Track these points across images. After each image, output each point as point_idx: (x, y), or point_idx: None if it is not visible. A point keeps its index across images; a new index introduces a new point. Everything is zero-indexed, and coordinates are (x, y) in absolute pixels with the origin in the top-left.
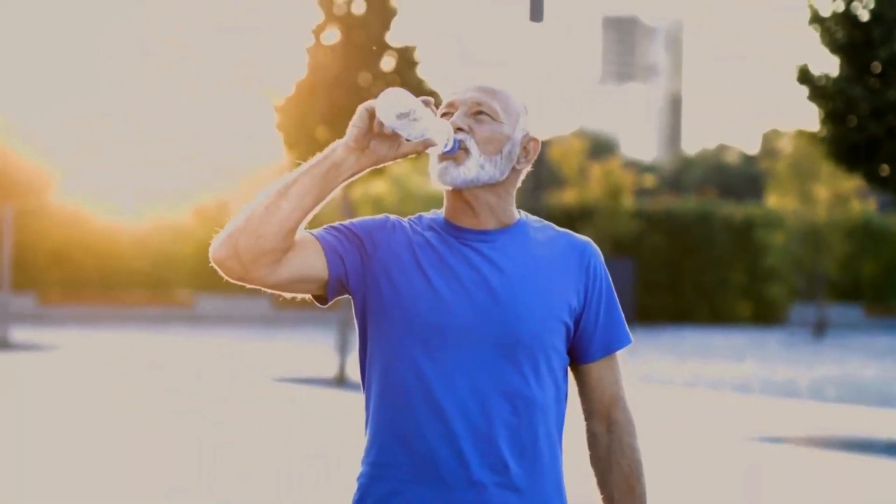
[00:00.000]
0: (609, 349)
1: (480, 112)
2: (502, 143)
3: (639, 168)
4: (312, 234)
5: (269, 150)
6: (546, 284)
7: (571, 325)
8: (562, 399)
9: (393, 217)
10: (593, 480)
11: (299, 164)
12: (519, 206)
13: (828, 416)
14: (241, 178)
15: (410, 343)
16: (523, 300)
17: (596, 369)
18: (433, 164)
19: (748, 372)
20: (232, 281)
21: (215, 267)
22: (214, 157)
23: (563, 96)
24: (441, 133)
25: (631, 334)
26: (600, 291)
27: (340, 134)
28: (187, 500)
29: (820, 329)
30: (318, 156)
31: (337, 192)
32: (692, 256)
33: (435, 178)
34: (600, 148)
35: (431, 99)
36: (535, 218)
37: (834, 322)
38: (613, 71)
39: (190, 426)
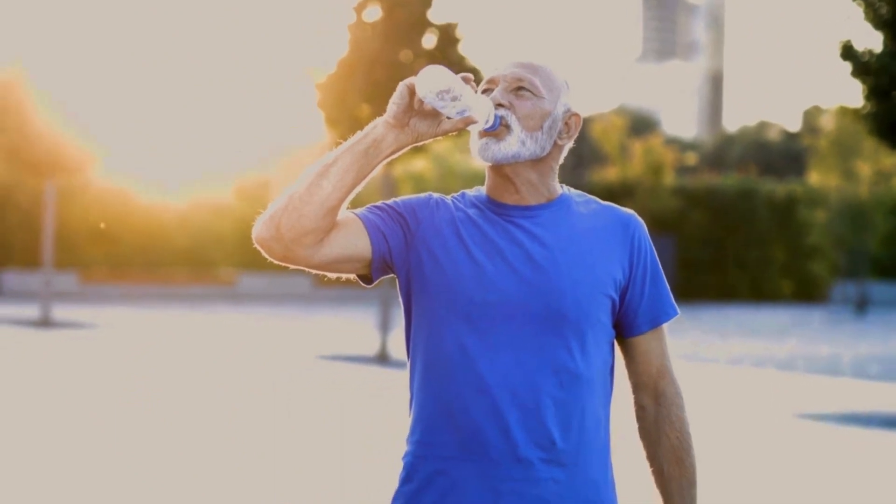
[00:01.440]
0: (656, 322)
1: (521, 88)
2: (543, 118)
3: (680, 145)
4: (355, 214)
5: (310, 130)
6: (590, 258)
7: (617, 298)
8: (608, 373)
9: (436, 195)
10: (642, 453)
11: (340, 143)
12: (561, 183)
13: (870, 393)
14: (283, 158)
15: (455, 319)
16: (568, 274)
17: (643, 342)
18: (474, 141)
19: (791, 350)
20: (275, 261)
21: (258, 247)
22: (257, 136)
23: (603, 73)
24: (482, 110)
25: (675, 306)
26: (645, 264)
27: (382, 111)
28: (229, 477)
29: (862, 306)
30: (359, 134)
31: (378, 171)
32: (734, 234)
33: (476, 155)
34: (641, 125)
35: (471, 76)
36: (578, 192)
37: (876, 299)
38: (654, 48)
39: (232, 405)
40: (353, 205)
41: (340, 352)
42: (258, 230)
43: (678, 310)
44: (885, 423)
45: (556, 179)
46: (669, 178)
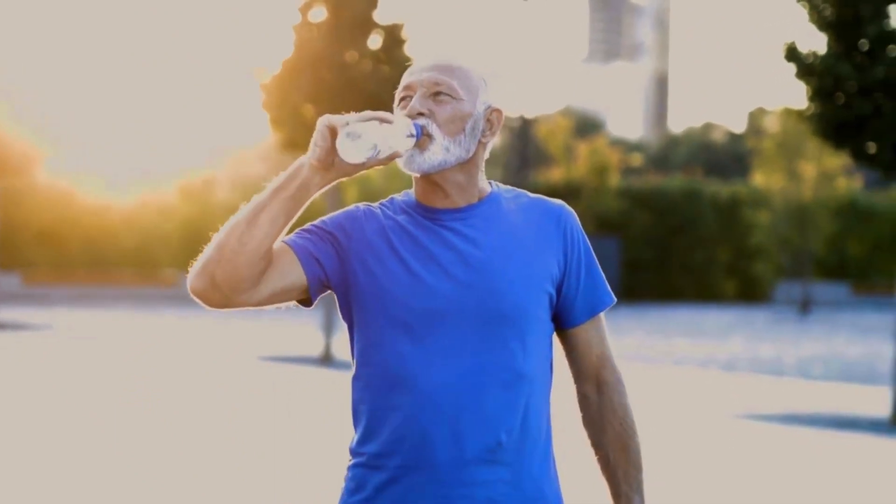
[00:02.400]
0: (593, 311)
1: (439, 93)
2: (464, 120)
3: (625, 146)
4: (286, 243)
5: (255, 130)
6: (524, 255)
7: (553, 292)
8: (548, 368)
9: (363, 205)
10: (587, 442)
11: (285, 144)
12: (505, 184)
13: (813, 393)
14: (228, 157)
15: (394, 329)
16: (503, 274)
17: (582, 332)
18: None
19: (734, 350)
20: (213, 309)
21: (195, 298)
22: (201, 136)
23: (549, 74)
24: (400, 136)
25: (612, 294)
26: (579, 255)
27: (326, 112)
28: (173, 478)
29: (806, 307)
30: (283, 176)
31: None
32: (678, 235)
33: (402, 166)
34: (587, 126)
35: (370, 113)
36: (507, 187)
37: (820, 300)
38: (600, 49)
39: (174, 407)
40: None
41: (284, 353)
42: (193, 283)
43: (614, 297)
44: (829, 424)
45: (484, 177)
46: (614, 180)
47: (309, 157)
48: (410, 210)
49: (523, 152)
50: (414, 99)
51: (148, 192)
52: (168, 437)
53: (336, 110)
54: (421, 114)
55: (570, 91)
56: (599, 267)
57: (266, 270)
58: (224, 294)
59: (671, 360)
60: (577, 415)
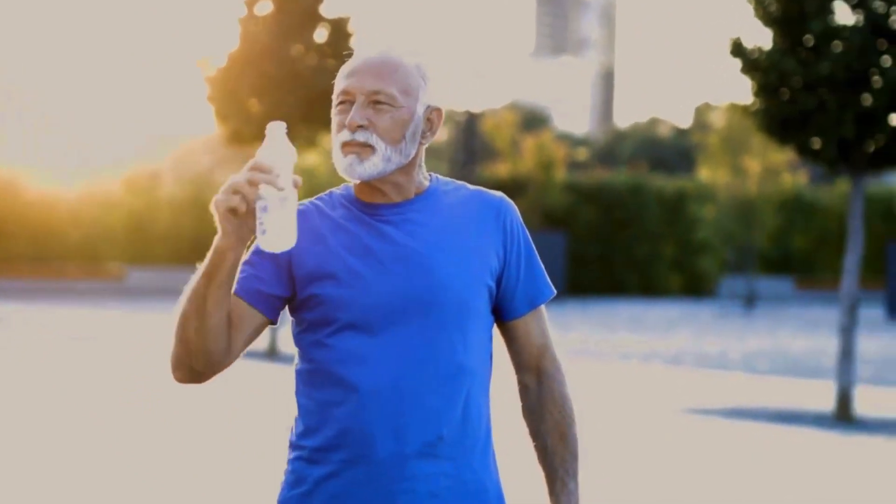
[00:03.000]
0: (533, 303)
1: (378, 101)
2: (405, 127)
3: (571, 141)
4: (235, 294)
5: (200, 122)
6: (464, 248)
7: (493, 284)
8: (488, 360)
9: (298, 206)
10: (526, 431)
11: (231, 136)
12: (430, 172)
13: (758, 387)
14: (172, 149)
15: (336, 326)
16: (444, 267)
17: (522, 324)
18: (338, 158)
19: (679, 344)
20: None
21: (184, 385)
22: (145, 128)
23: (496, 69)
24: (291, 193)
25: (552, 286)
26: (519, 247)
27: (272, 106)
28: (118, 470)
29: (750, 301)
30: (209, 264)
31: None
32: (624, 229)
33: (342, 172)
34: (533, 121)
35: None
36: (447, 180)
37: (764, 294)
38: (546, 44)
39: (118, 402)
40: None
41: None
42: (176, 377)
43: (554, 290)
44: (773, 418)
45: (424, 171)
46: (560, 174)
47: (223, 242)
48: (349, 205)
49: (469, 146)
50: (353, 110)
51: (92, 184)
52: (110, 432)
53: (281, 104)
54: (361, 126)
55: (517, 86)
56: (539, 259)
57: (232, 334)
58: (207, 373)
59: (616, 355)
60: (517, 406)
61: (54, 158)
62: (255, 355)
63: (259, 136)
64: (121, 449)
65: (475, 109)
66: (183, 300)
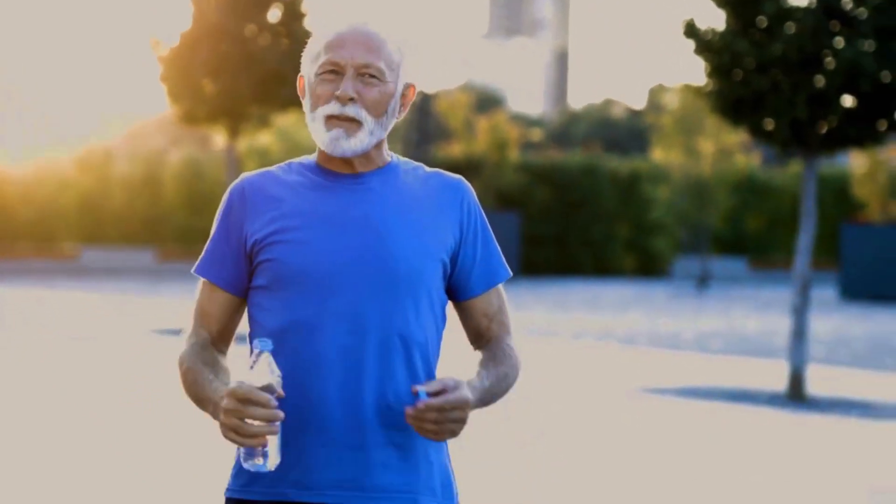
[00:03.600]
0: (489, 284)
1: (367, 74)
2: (388, 102)
3: (525, 122)
4: (221, 288)
5: (153, 101)
6: (421, 223)
7: (448, 263)
8: (438, 337)
9: (245, 181)
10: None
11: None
12: (390, 152)
13: (711, 367)
14: (126, 128)
15: (289, 293)
16: (399, 239)
17: (479, 303)
18: (319, 129)
19: (633, 324)
20: None
21: None
22: (98, 107)
23: (450, 49)
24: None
25: (508, 268)
26: (475, 227)
27: (226, 86)
28: (64, 454)
29: (704, 282)
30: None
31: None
32: (578, 210)
33: (323, 145)
34: (487, 102)
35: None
36: (406, 159)
37: (718, 275)
38: (501, 25)
39: (72, 382)
40: (197, 177)
41: (181, 326)
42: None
43: (510, 271)
44: (727, 397)
45: (386, 147)
46: (514, 155)
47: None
48: (308, 173)
49: (423, 127)
50: (345, 82)
51: (45, 163)
52: (59, 411)
53: (235, 84)
54: (352, 99)
55: (471, 66)
56: (495, 242)
57: (227, 334)
58: None
59: (570, 335)
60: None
61: (5, 137)
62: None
63: (212, 117)
64: (69, 428)
65: (429, 90)
66: (185, 382)
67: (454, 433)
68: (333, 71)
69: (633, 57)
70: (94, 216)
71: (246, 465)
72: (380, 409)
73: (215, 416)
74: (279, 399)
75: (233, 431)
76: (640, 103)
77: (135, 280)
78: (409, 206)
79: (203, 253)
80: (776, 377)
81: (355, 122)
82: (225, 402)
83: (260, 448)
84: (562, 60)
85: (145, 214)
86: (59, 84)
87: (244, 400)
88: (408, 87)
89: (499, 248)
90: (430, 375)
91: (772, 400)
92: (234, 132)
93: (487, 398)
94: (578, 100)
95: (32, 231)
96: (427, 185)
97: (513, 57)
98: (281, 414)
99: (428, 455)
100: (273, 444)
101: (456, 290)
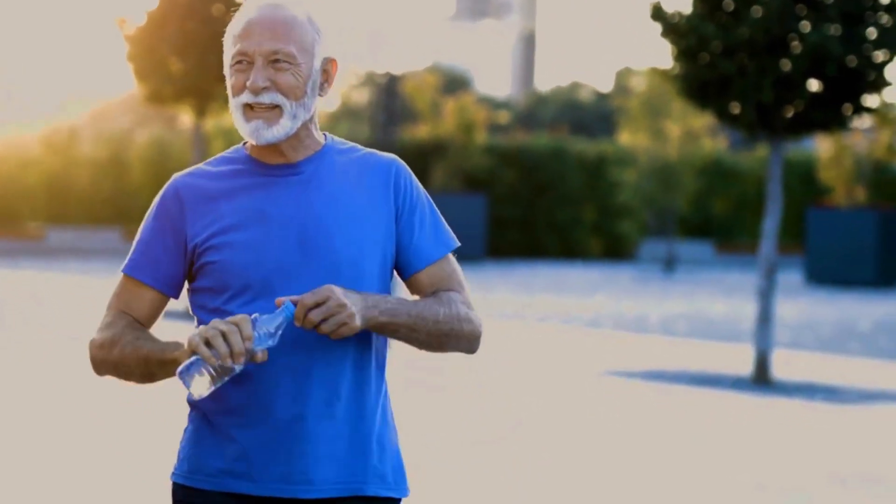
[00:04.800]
0: (433, 257)
1: (277, 60)
2: (305, 82)
3: (492, 104)
4: (148, 285)
5: (119, 80)
6: (358, 211)
7: (391, 247)
8: None
9: (179, 179)
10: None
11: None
12: (372, 141)
13: (677, 351)
14: (91, 107)
15: (232, 293)
16: (338, 231)
17: (424, 278)
18: (239, 121)
19: (599, 307)
20: None
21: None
22: (63, 85)
23: (416, 31)
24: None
25: (454, 238)
26: (412, 205)
27: (193, 65)
28: (40, 440)
29: (670, 265)
30: (161, 369)
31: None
32: (544, 193)
33: (246, 136)
34: (454, 84)
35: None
36: (340, 140)
37: (684, 258)
38: (467, 6)
39: (35, 360)
40: (164, 157)
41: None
42: (101, 375)
43: (456, 242)
44: (692, 381)
45: (317, 127)
46: (481, 137)
47: (179, 355)
48: (241, 166)
49: (390, 108)
50: (254, 72)
51: (9, 142)
52: (29, 390)
53: (203, 63)
54: (265, 88)
55: (438, 48)
56: (440, 216)
57: (149, 325)
58: None
59: (536, 318)
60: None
61: None
62: (175, 315)
63: (179, 96)
64: (34, 410)
65: (396, 71)
66: (123, 360)
67: (339, 324)
68: (244, 61)
69: (600, 40)
70: (60, 196)
71: (179, 376)
72: (326, 401)
73: (180, 354)
74: (245, 369)
75: (206, 338)
76: (607, 86)
77: (101, 260)
78: (346, 193)
79: (132, 253)
80: (742, 361)
81: (275, 108)
82: (219, 322)
83: (206, 369)
84: (529, 43)
85: (112, 194)
86: (24, 62)
87: (237, 323)
88: (328, 61)
89: (443, 221)
90: (381, 364)
91: (737, 384)
92: (201, 112)
93: (404, 315)
94: (545, 82)
95: None
96: (362, 168)
97: (480, 39)
98: (241, 364)
99: (381, 441)
100: (211, 380)
101: (403, 269)
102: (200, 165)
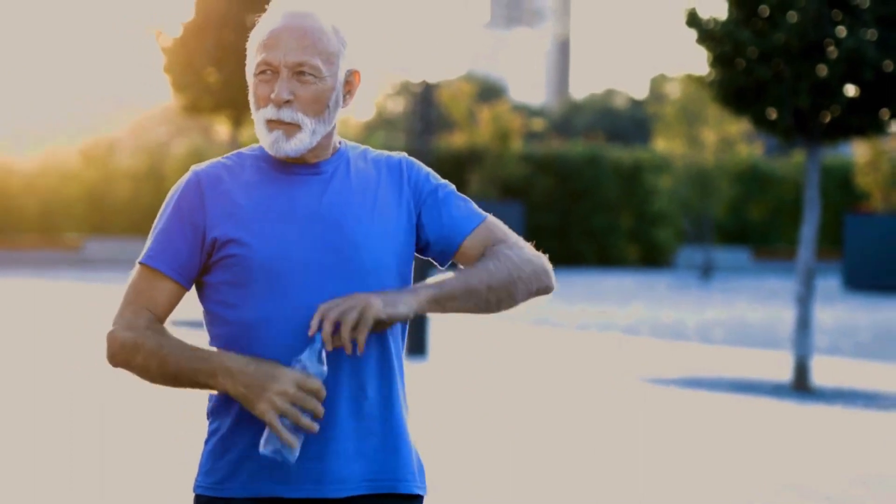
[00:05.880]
0: (470, 227)
1: (303, 72)
2: (328, 97)
3: (527, 112)
4: (167, 276)
5: (156, 92)
6: (378, 209)
7: (412, 242)
8: (404, 324)
9: (200, 174)
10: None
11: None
12: (407, 150)
13: (715, 358)
14: (129, 119)
15: (253, 288)
16: (359, 227)
17: (468, 247)
18: (262, 132)
19: (636, 314)
20: None
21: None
22: (102, 98)
23: (451, 40)
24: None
25: (483, 213)
26: (427, 194)
27: (230, 75)
28: (72, 445)
29: (707, 272)
30: (202, 382)
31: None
32: (580, 200)
33: (267, 148)
34: (489, 92)
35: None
36: (352, 143)
37: (721, 265)
38: (502, 14)
39: (77, 374)
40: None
41: (184, 317)
42: (115, 366)
43: (485, 214)
44: (729, 387)
45: (336, 133)
46: (517, 145)
47: (231, 391)
48: (262, 164)
49: (425, 117)
50: (278, 85)
51: (49, 155)
52: (62, 400)
53: (239, 73)
54: (287, 102)
55: (472, 56)
56: (459, 195)
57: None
58: None
59: (573, 325)
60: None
61: (10, 129)
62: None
63: (216, 107)
64: (70, 419)
65: (432, 80)
66: (148, 370)
67: (358, 325)
68: (268, 71)
69: (635, 46)
70: (98, 207)
71: (266, 451)
72: (354, 400)
73: (214, 384)
74: None
75: (283, 415)
76: (642, 93)
77: None
78: (364, 192)
79: (152, 243)
80: (780, 368)
81: (294, 126)
82: (291, 390)
83: (293, 439)
84: (563, 50)
85: (149, 205)
86: (64, 76)
87: (311, 391)
88: (351, 73)
89: (465, 199)
90: (401, 363)
91: (776, 390)
92: (237, 122)
93: (454, 283)
94: (580, 89)
95: (36, 222)
96: (378, 169)
97: (514, 46)
98: (322, 414)
99: (406, 438)
100: (299, 440)
101: (443, 251)
102: (220, 159)
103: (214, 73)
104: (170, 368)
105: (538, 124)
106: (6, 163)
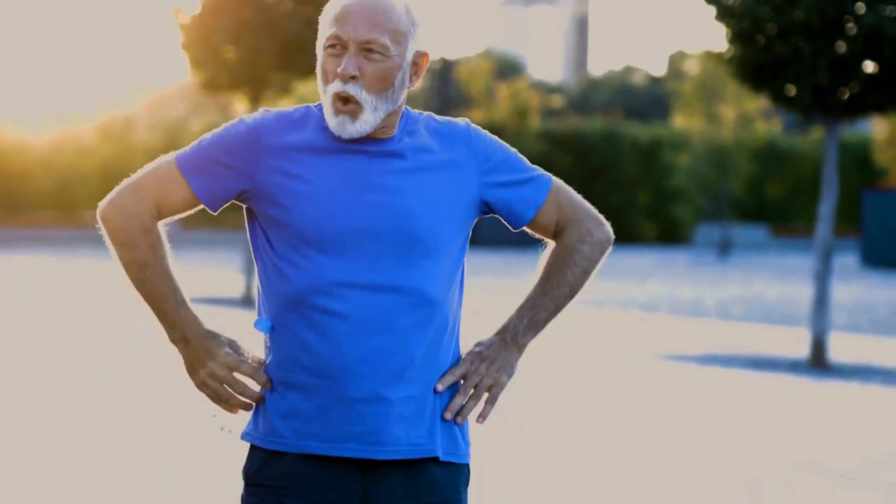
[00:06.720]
0: (537, 203)
1: (371, 50)
2: (394, 76)
3: (545, 89)
4: (197, 195)
5: (174, 69)
6: (439, 179)
7: (471, 212)
8: (458, 293)
9: (261, 125)
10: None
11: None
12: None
13: (733, 334)
14: (146, 96)
15: (306, 249)
16: (417, 196)
17: (541, 220)
18: (328, 110)
19: (655, 291)
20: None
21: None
22: (119, 75)
23: (470, 16)
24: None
25: (544, 172)
26: (495, 161)
27: (247, 53)
28: (90, 426)
29: (725, 249)
30: (163, 313)
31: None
32: (599, 177)
33: (332, 128)
34: (507, 69)
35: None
36: (417, 111)
37: (739, 242)
38: None
39: (96, 348)
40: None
41: (205, 294)
42: (103, 217)
43: (550, 176)
44: (748, 364)
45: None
46: (535, 122)
47: (180, 350)
48: (326, 126)
49: (444, 94)
50: (346, 59)
51: (66, 132)
52: (82, 376)
53: (257, 51)
54: (353, 77)
55: (491, 33)
56: (522, 160)
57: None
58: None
59: (592, 302)
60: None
61: (27, 106)
62: (230, 302)
63: (234, 84)
64: (90, 397)
65: (450, 57)
66: (134, 274)
67: (493, 392)
68: (336, 45)
69: (653, 23)
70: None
71: (216, 424)
72: (399, 365)
73: (170, 338)
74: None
75: (211, 394)
76: (660, 70)
77: None
78: (425, 161)
79: (192, 152)
80: (798, 344)
81: (356, 105)
82: (220, 372)
83: (229, 415)
84: (582, 27)
85: None
86: (81, 52)
87: (240, 372)
88: (420, 55)
89: (527, 163)
90: (455, 329)
91: (794, 367)
92: (255, 99)
93: (543, 312)
94: (599, 66)
95: (53, 200)
96: (441, 137)
97: (533, 23)
98: (250, 403)
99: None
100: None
101: (512, 222)
102: (287, 111)
103: (232, 51)
104: (142, 290)
105: (556, 101)
106: (22, 140)
